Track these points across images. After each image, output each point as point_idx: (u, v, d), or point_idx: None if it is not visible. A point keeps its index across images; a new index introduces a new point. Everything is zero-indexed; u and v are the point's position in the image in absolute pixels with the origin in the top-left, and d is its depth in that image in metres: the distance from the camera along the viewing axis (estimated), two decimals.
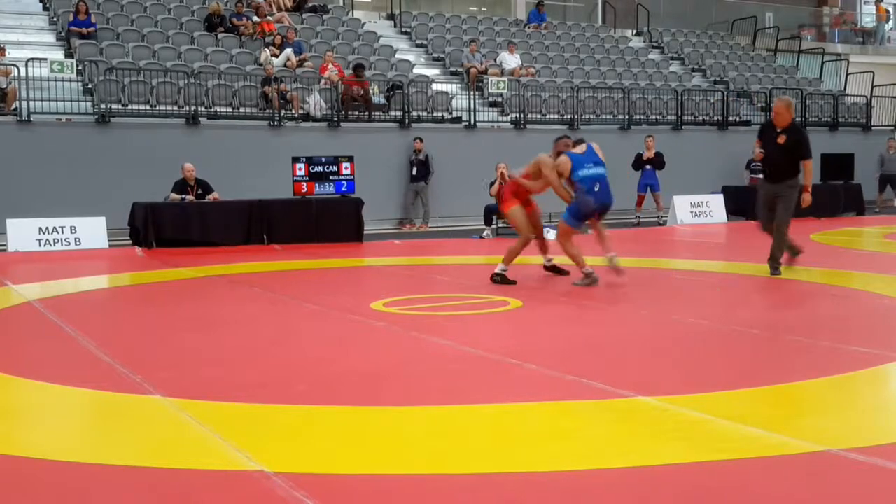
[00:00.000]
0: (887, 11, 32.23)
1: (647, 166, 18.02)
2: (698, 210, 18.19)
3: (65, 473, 3.85)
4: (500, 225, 15.84)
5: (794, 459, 3.84)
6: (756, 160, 20.48)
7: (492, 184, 14.88)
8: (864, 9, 34.24)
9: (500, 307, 7.97)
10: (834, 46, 30.51)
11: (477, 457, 3.96)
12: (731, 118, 22.26)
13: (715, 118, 22.06)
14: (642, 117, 21.16)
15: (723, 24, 28.72)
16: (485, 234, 15.50)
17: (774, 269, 9.89)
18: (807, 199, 9.91)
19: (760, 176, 20.05)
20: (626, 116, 20.75)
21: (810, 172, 10.05)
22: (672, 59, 25.63)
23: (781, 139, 9.88)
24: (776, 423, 4.36)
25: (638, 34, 26.90)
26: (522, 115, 19.63)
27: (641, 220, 18.05)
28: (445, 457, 3.97)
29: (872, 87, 24.86)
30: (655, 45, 26.28)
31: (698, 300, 8.81)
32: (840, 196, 20.14)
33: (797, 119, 22.73)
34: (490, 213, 15.54)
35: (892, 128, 24.39)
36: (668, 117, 21.54)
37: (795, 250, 10.13)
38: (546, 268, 10.14)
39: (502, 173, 15.03)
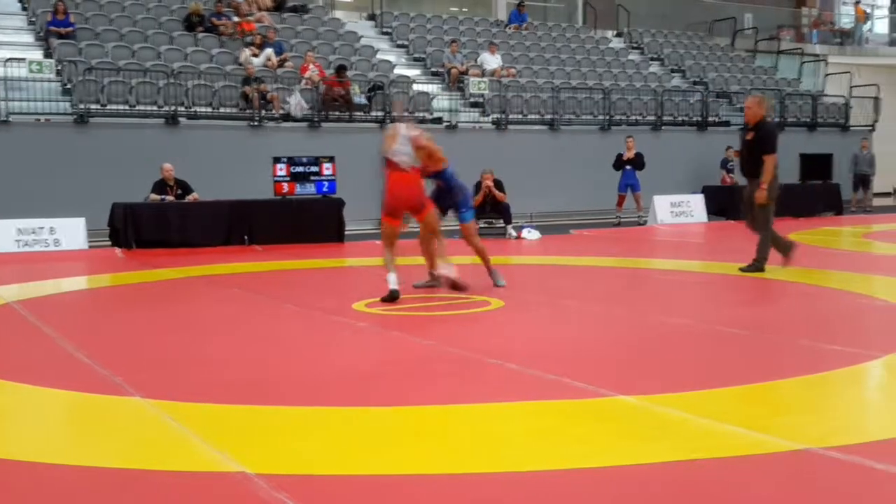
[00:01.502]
0: (865, 12, 32.46)
1: (628, 167, 18.07)
2: (679, 210, 18.27)
3: (44, 475, 3.83)
4: (482, 226, 15.85)
5: (774, 458, 3.86)
6: (730, 158, 20.71)
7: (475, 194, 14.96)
8: (842, 10, 34.46)
9: (481, 307, 7.98)
10: (812, 47, 30.70)
11: (459, 457, 3.97)
12: (710, 118, 22.37)
13: (694, 119, 22.16)
14: (622, 118, 21.22)
15: (702, 25, 28.84)
16: None
17: (756, 268, 9.92)
18: (759, 195, 9.81)
19: (733, 175, 20.32)
20: (607, 117, 20.81)
21: (769, 168, 9.83)
22: (652, 59, 25.72)
23: (749, 135, 9.98)
24: (756, 421, 4.38)
25: (618, 35, 26.98)
26: (504, 116, 19.65)
27: (622, 220, 18.10)
28: (427, 457, 3.97)
29: (851, 87, 25.05)
30: (635, 45, 26.37)
31: (678, 300, 8.85)
32: (819, 196, 20.28)
33: (777, 119, 22.96)
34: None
35: (870, 128, 24.56)
36: (648, 118, 21.62)
37: (786, 248, 10.06)
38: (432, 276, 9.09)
39: (489, 186, 15.06)
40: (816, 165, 20.81)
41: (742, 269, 10.01)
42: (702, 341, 6.55)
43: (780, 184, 10.13)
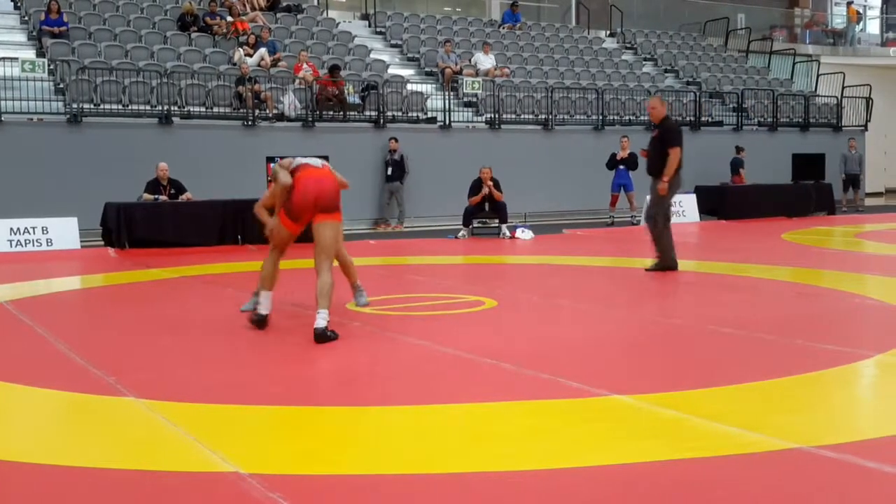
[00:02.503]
0: (858, 13, 32.55)
1: (621, 166, 18.10)
2: (671, 210, 18.25)
3: (36, 476, 3.82)
4: (476, 226, 15.86)
5: (768, 457, 3.88)
6: (743, 158, 20.81)
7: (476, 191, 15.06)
8: (835, 10, 34.56)
9: (475, 307, 7.98)
10: (805, 47, 30.79)
11: (453, 456, 3.97)
12: (703, 118, 22.40)
13: (688, 119, 22.18)
14: (616, 118, 21.25)
15: (695, 25, 28.89)
16: (460, 234, 15.51)
17: (664, 265, 10.10)
18: (661, 186, 10.08)
19: (739, 175, 20.43)
20: (600, 117, 20.83)
21: (673, 161, 10.07)
22: (645, 59, 25.75)
23: (655, 133, 10.31)
24: (749, 420, 4.39)
25: (611, 35, 27.00)
26: (497, 116, 19.65)
27: (615, 219, 18.12)
28: (422, 456, 3.97)
29: (843, 87, 25.09)
30: (629, 46, 26.40)
31: (672, 299, 8.87)
32: (811, 196, 20.34)
33: (770, 119, 23.01)
34: (469, 215, 15.56)
35: (863, 128, 24.63)
36: (642, 118, 21.63)
37: (664, 261, 10.14)
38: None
39: (490, 185, 15.13)
40: (809, 165, 20.88)
41: (647, 269, 10.20)
42: (695, 341, 6.56)
43: (681, 181, 10.43)
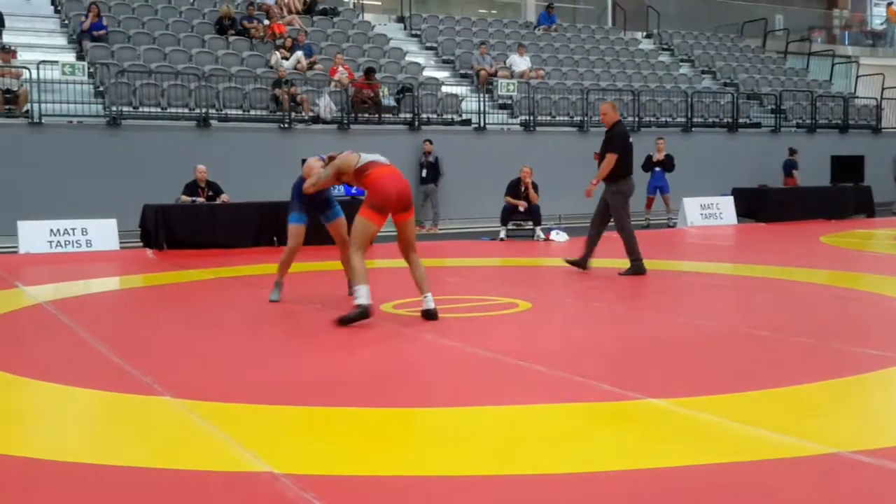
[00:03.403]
0: None
1: (657, 168, 18.00)
2: (708, 212, 18.15)
3: (74, 474, 3.87)
4: (510, 227, 15.84)
5: (804, 461, 3.84)
6: (796, 159, 20.64)
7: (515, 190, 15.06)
8: (874, 11, 34.14)
9: (508, 309, 7.98)
10: (844, 48, 30.46)
11: (485, 458, 3.97)
12: (741, 120, 22.23)
13: (725, 120, 22.03)
14: (652, 119, 21.14)
15: (733, 27, 28.67)
16: (501, 235, 15.49)
17: (635, 270, 10.13)
18: (588, 189, 10.34)
19: (792, 177, 20.26)
20: (636, 119, 20.73)
21: (605, 166, 10.26)
22: (682, 61, 25.60)
23: (605, 138, 10.41)
24: (785, 424, 4.35)
25: (648, 36, 26.88)
26: (532, 118, 19.63)
27: (651, 222, 18.02)
28: (453, 458, 3.98)
29: (883, 89, 24.80)
30: (665, 47, 26.26)
31: (707, 302, 8.81)
32: (850, 198, 20.10)
33: (809, 121, 22.76)
34: (507, 214, 15.53)
35: None
36: (678, 119, 21.52)
37: (584, 260, 10.36)
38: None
39: (527, 184, 15.12)
40: (848, 168, 20.62)
41: (621, 273, 10.22)
42: (730, 344, 6.51)
43: (632, 186, 10.63)
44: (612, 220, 10.30)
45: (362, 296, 7.09)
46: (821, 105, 23.65)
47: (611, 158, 10.17)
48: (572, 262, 10.45)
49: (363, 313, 7.07)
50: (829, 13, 33.20)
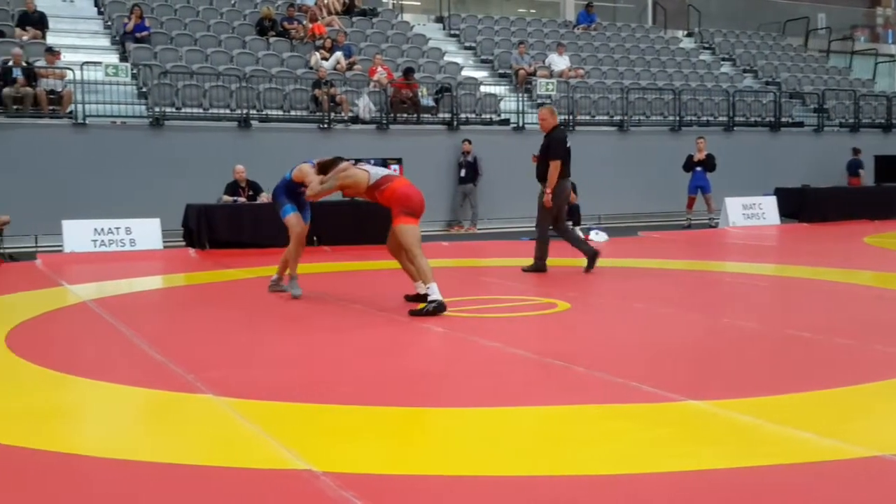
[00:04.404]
0: None
1: (698, 168, 17.84)
2: (750, 212, 17.97)
3: (117, 471, 3.92)
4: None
5: (846, 464, 3.79)
6: (860, 159, 20.43)
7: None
8: None
9: (547, 309, 7.96)
10: (888, 47, 30.03)
11: (525, 458, 3.97)
12: (783, 119, 22.00)
13: (767, 119, 21.82)
14: (693, 118, 20.98)
15: (774, 25, 28.38)
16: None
17: (537, 267, 10.53)
18: (545, 199, 10.44)
19: (857, 177, 20.04)
20: (677, 118, 20.59)
21: (553, 174, 10.39)
22: (723, 60, 25.38)
23: (545, 142, 10.54)
24: (828, 427, 4.30)
25: (689, 35, 26.68)
26: (571, 117, 19.56)
27: (692, 222, 17.88)
28: (492, 458, 3.98)
29: None
30: (706, 45, 26.05)
31: (749, 303, 8.73)
32: (894, 198, 19.79)
33: (852, 120, 22.47)
34: None
35: None
36: (720, 118, 21.35)
37: (538, 263, 10.59)
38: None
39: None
40: (892, 167, 20.32)
41: (524, 269, 10.64)
42: (772, 345, 6.45)
43: (569, 189, 10.86)
44: (571, 217, 10.62)
45: (435, 292, 7.66)
46: (864, 104, 23.35)
47: (556, 165, 10.38)
48: (527, 270, 10.71)
49: (440, 307, 7.59)
50: (871, 11, 32.74)
